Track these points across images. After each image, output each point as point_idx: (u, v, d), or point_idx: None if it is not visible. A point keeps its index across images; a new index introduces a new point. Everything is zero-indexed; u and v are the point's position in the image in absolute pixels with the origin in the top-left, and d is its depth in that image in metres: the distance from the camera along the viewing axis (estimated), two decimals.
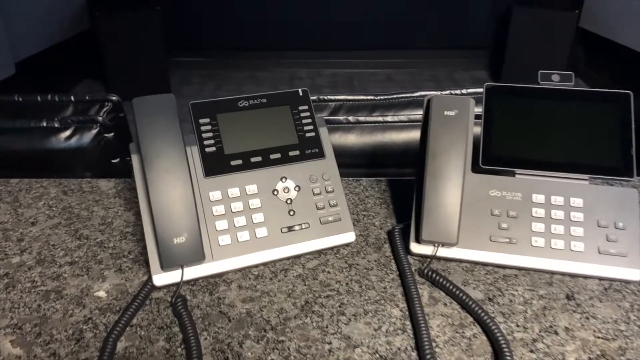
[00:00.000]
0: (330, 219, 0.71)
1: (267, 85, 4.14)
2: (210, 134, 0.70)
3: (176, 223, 0.63)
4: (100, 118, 1.04)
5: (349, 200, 0.83)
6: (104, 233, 0.76)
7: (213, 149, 0.69)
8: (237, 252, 0.67)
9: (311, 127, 0.74)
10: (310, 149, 0.73)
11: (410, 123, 1.06)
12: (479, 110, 0.74)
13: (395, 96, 1.12)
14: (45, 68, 3.44)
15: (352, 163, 1.08)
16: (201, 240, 0.64)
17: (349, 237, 0.71)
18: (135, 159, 0.67)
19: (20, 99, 1.12)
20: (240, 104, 0.72)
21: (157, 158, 0.63)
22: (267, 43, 4.38)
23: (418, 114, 1.08)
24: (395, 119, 1.07)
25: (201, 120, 0.70)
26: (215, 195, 0.68)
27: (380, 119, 1.07)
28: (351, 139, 1.07)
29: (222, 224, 0.67)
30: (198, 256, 0.64)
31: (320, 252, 0.71)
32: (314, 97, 1.11)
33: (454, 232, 0.67)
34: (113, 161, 1.09)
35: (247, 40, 4.38)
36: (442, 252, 0.69)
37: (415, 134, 1.06)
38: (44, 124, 1.04)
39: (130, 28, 3.58)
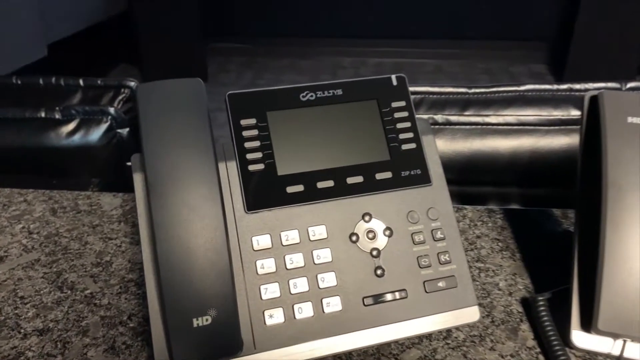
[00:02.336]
0: (440, 284, 0.45)
1: (309, 74, 3.90)
2: (257, 144, 0.44)
3: (197, 294, 0.38)
4: (112, 109, 0.80)
5: None
6: (98, 280, 0.51)
7: (260, 166, 0.44)
8: (295, 338, 0.41)
9: (410, 134, 0.48)
10: (408, 170, 0.47)
11: (521, 127, 0.79)
12: None
13: (494, 90, 0.84)
14: (79, 51, 3.28)
15: None
16: (238, 319, 0.39)
17: (471, 314, 0.45)
18: (137, 181, 0.42)
19: (19, 82, 0.89)
20: (303, 97, 0.47)
21: (168, 182, 0.38)
22: (310, 29, 4.14)
23: (528, 114, 0.80)
24: (500, 120, 0.79)
25: (243, 122, 0.45)
26: (262, 241, 0.42)
27: (478, 119, 0.79)
28: (438, 145, 0.78)
29: (271, 291, 0.42)
30: (233, 345, 0.39)
31: (421, 338, 0.45)
32: None
33: None
34: (128, 164, 0.85)
35: (288, 26, 4.15)
36: (634, 351, 0.42)
37: (527, 142, 0.78)
38: (42, 115, 0.81)
39: (167, 11, 3.42)
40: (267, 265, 0.42)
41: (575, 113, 0.80)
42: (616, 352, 0.42)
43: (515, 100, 0.83)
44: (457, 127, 0.80)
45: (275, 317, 0.41)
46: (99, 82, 0.87)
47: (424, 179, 0.47)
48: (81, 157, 0.81)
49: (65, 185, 0.71)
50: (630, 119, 0.45)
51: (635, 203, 0.42)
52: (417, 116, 0.48)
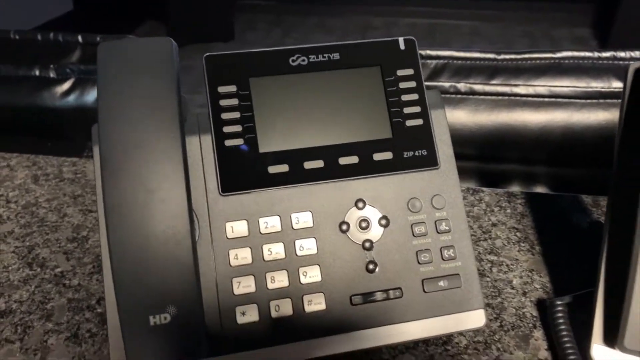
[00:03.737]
0: (441, 283, 0.39)
1: (338, 33, 3.77)
2: (236, 115, 0.38)
3: (154, 289, 0.33)
4: None
5: None
6: (71, 257, 0.47)
7: (239, 141, 0.38)
8: (270, 339, 0.36)
9: (417, 108, 0.41)
10: (412, 150, 0.40)
11: (553, 99, 0.70)
12: None
13: (526, 56, 0.76)
14: (105, 5, 3.24)
15: (458, 153, 0.74)
16: (202, 317, 0.35)
17: (476, 319, 0.39)
18: (96, 155, 0.37)
19: (17, 37, 0.85)
20: (294, 61, 0.40)
21: (122, 159, 0.33)
22: None
23: (563, 85, 0.71)
24: (530, 90, 0.71)
25: (221, 89, 0.39)
26: (238, 228, 0.37)
27: (506, 89, 0.71)
28: (460, 117, 0.72)
29: (245, 285, 0.37)
30: (196, 347, 0.34)
31: (418, 342, 0.40)
32: None
33: None
34: None
35: None
36: None
37: (560, 116, 0.70)
38: (36, 73, 0.76)
39: None
40: (241, 255, 0.37)
41: (617, 85, 0.71)
42: None
43: (550, 68, 0.74)
44: (481, 97, 0.72)
45: (248, 314, 0.36)
46: (98, 38, 0.82)
47: (430, 162, 0.40)
48: (76, 118, 0.76)
49: (59, 148, 0.67)
50: None
51: None
52: (427, 86, 0.42)
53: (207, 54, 0.39)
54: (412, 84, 0.41)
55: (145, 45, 0.36)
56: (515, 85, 0.71)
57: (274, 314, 0.36)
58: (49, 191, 0.56)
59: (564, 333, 0.39)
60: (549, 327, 0.40)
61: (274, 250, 0.37)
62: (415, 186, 0.40)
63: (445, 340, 0.40)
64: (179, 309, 0.33)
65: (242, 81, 0.39)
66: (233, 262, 0.37)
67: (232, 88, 0.39)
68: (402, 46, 0.42)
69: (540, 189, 0.74)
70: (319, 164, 0.39)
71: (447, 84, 0.73)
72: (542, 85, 0.71)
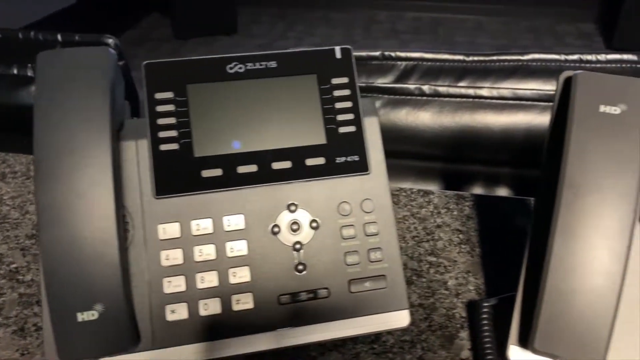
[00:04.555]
0: (367, 284, 0.40)
1: (342, 28, 3.78)
2: (172, 121, 0.40)
3: (82, 287, 0.35)
4: None
5: (407, 231, 0.52)
6: (27, 254, 0.50)
7: (174, 146, 0.40)
8: (198, 336, 0.38)
9: (350, 115, 0.42)
10: (345, 156, 0.42)
11: (517, 102, 0.71)
12: None
13: (495, 58, 0.76)
14: None
15: (422, 153, 0.75)
16: (132, 313, 0.37)
17: (400, 318, 0.40)
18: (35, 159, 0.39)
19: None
20: (231, 68, 0.42)
21: (53, 163, 0.35)
22: None
23: (529, 88, 0.72)
24: (494, 93, 0.72)
25: (158, 95, 0.40)
26: (170, 230, 0.39)
27: (470, 91, 0.72)
28: (424, 119, 0.73)
29: (175, 284, 0.38)
30: (125, 342, 0.36)
31: (345, 340, 0.41)
32: (377, 53, 0.78)
33: (601, 345, 0.35)
34: None
35: None
36: None
37: (522, 119, 0.71)
38: (14, 71, 0.78)
39: None
40: (172, 256, 0.39)
41: None
42: None
43: (517, 70, 0.75)
44: (446, 99, 0.73)
45: (177, 312, 0.38)
46: (76, 37, 0.84)
47: (361, 167, 0.42)
48: None
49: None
50: (602, 108, 0.38)
51: (592, 211, 0.36)
52: (362, 96, 0.43)
53: (146, 61, 0.41)
54: (347, 92, 0.42)
55: (83, 55, 0.38)
56: (479, 88, 0.72)
57: (202, 312, 0.38)
58: (15, 188, 0.58)
59: (486, 334, 0.40)
60: (475, 330, 0.42)
61: (205, 252, 0.39)
62: (346, 190, 0.41)
63: (373, 338, 0.41)
64: (106, 306, 0.35)
65: (180, 88, 0.41)
66: (164, 263, 0.38)
67: (169, 94, 0.40)
68: (338, 55, 0.43)
69: (504, 191, 0.75)
70: (252, 168, 0.40)
71: (412, 86, 0.74)
72: (506, 88, 0.72)
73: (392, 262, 0.41)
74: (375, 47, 0.78)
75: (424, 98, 0.74)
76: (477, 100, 0.72)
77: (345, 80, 0.43)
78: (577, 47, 3.46)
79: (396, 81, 0.76)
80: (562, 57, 0.76)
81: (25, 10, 2.59)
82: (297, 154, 0.41)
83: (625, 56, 0.73)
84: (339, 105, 0.42)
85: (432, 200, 0.56)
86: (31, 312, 0.44)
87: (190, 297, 0.38)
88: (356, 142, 0.42)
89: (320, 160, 0.41)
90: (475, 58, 0.77)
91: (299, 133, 0.42)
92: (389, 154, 0.79)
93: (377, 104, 0.75)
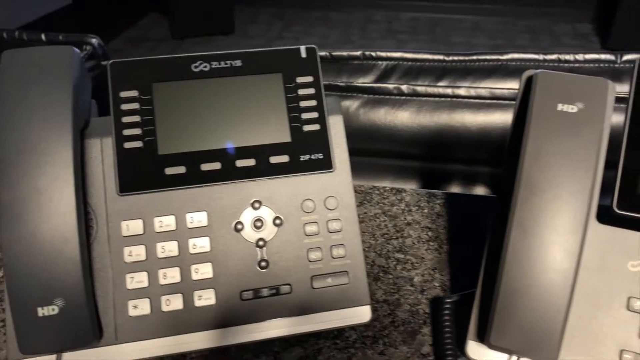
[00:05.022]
0: (329, 280, 0.41)
1: (339, 28, 3.78)
2: (137, 119, 0.41)
3: (42, 282, 0.35)
4: None
5: (377, 228, 0.52)
6: None
7: (138, 144, 0.40)
8: (160, 331, 0.39)
9: (315, 114, 0.43)
10: (309, 154, 0.42)
11: (494, 101, 0.72)
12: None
13: (474, 57, 0.77)
14: None
15: (401, 152, 0.76)
16: (94, 308, 0.37)
17: (362, 314, 0.41)
18: None
19: None
20: (196, 67, 0.42)
21: (15, 160, 0.35)
22: None
23: (507, 87, 0.73)
24: (472, 92, 0.72)
25: (123, 94, 0.41)
26: (133, 227, 0.40)
27: (448, 90, 0.73)
28: (403, 118, 0.74)
29: (138, 280, 0.39)
30: (86, 337, 0.36)
31: (309, 335, 0.42)
32: (358, 53, 0.78)
33: (554, 340, 0.36)
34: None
35: None
36: None
37: (499, 118, 0.71)
38: None
39: None
40: (135, 252, 0.39)
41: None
42: None
43: (496, 70, 0.76)
44: (424, 98, 0.74)
45: (140, 308, 0.39)
46: (60, 37, 0.84)
47: (325, 165, 0.42)
48: None
49: None
50: (560, 107, 0.39)
51: (546, 208, 0.36)
52: (327, 95, 0.44)
53: (112, 60, 0.42)
54: (311, 90, 0.43)
55: (46, 54, 0.39)
56: (458, 87, 0.73)
57: (164, 307, 0.39)
58: None
59: (447, 329, 0.41)
60: (437, 326, 0.42)
61: (167, 248, 0.39)
62: (310, 188, 0.42)
63: (336, 334, 0.42)
64: (66, 301, 0.36)
65: (145, 86, 0.41)
66: (127, 259, 0.39)
67: (134, 93, 0.41)
68: (303, 54, 0.44)
69: (482, 189, 0.75)
70: (215, 166, 0.41)
71: (391, 86, 0.74)
72: (484, 87, 0.73)
73: (355, 259, 0.41)
74: (372, 47, 0.79)
75: (403, 98, 0.74)
76: (455, 99, 0.73)
77: (310, 79, 0.43)
78: (573, 47, 3.46)
79: (377, 81, 0.77)
80: (541, 56, 0.76)
81: (21, 10, 2.60)
82: (261, 152, 0.42)
83: (603, 56, 0.74)
84: (303, 103, 0.43)
85: (404, 198, 0.56)
86: (0, 308, 0.45)
87: (153, 293, 0.39)
88: (320, 140, 0.43)
89: (285, 158, 0.42)
90: (455, 58, 0.77)
91: (263, 131, 0.42)
92: (369, 152, 0.79)
93: (357, 103, 0.75)
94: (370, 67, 0.78)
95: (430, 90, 0.73)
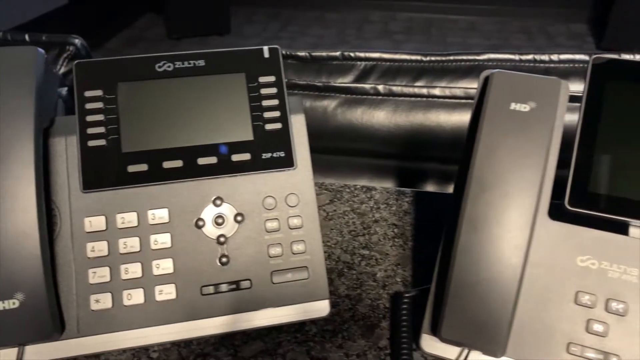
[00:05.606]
0: (289, 275, 0.42)
1: (335, 28, 3.79)
2: (101, 117, 0.42)
3: (2, 274, 0.36)
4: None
5: (345, 225, 0.53)
6: None
7: (102, 142, 0.41)
8: (121, 324, 0.40)
9: (277, 113, 0.44)
10: (271, 152, 0.43)
11: (469, 101, 0.73)
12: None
13: (452, 58, 0.78)
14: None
15: (378, 151, 0.77)
16: (56, 302, 0.38)
17: (321, 308, 0.42)
18: None
19: None
20: (160, 67, 0.43)
21: None
22: None
23: None
24: (446, 92, 0.73)
25: (88, 93, 0.42)
26: (95, 223, 0.40)
27: (424, 90, 0.74)
28: (379, 117, 0.75)
29: (100, 275, 0.40)
30: (47, 330, 0.37)
31: (270, 329, 0.43)
32: (337, 53, 0.79)
33: (502, 333, 0.37)
34: None
35: None
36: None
37: None
38: None
39: None
40: (98, 248, 0.40)
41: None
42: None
43: (473, 70, 0.76)
44: (400, 98, 0.75)
45: (102, 302, 0.40)
46: (43, 38, 0.85)
47: (287, 163, 0.43)
48: None
49: None
50: (513, 106, 0.40)
51: (495, 204, 0.37)
52: (289, 94, 0.45)
53: (77, 61, 0.43)
54: (274, 90, 0.44)
55: (10, 54, 0.40)
56: (433, 87, 0.74)
57: (126, 302, 0.40)
58: None
59: (404, 323, 0.42)
60: (395, 320, 0.43)
61: (129, 244, 0.40)
62: (271, 185, 0.43)
63: (297, 328, 0.43)
64: (27, 296, 0.36)
65: (109, 86, 0.42)
66: (90, 254, 0.40)
67: (99, 92, 0.42)
68: (266, 54, 0.45)
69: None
70: (177, 163, 0.42)
71: (368, 86, 0.75)
72: (459, 87, 0.74)
73: (315, 254, 0.42)
74: (367, 48, 0.80)
75: (379, 97, 0.75)
76: (430, 99, 0.74)
77: (272, 79, 0.44)
78: (568, 47, 3.47)
79: (356, 81, 0.77)
80: (517, 57, 0.77)
81: (16, 10, 2.61)
82: (226, 148, 0.42)
83: (577, 56, 0.74)
84: (266, 103, 0.44)
85: (374, 196, 0.57)
86: None
87: (114, 287, 0.40)
88: (282, 139, 0.44)
89: (246, 156, 0.43)
90: (433, 58, 0.78)
91: (226, 129, 0.43)
92: (346, 151, 0.80)
93: (334, 103, 0.76)
94: (349, 68, 0.79)
95: (406, 90, 0.74)
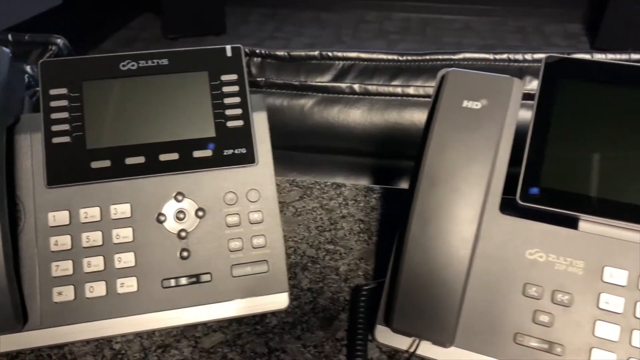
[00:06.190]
0: (249, 269, 0.43)
1: (331, 28, 3.80)
2: (65, 115, 0.43)
3: None
4: (28, 67, 0.79)
5: (313, 221, 0.54)
6: None
7: (66, 139, 0.42)
8: (83, 316, 0.41)
9: (238, 110, 0.45)
10: (232, 149, 0.44)
11: None
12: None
13: (427, 57, 0.79)
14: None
15: (355, 150, 0.78)
16: (17, 294, 0.39)
17: (280, 301, 0.43)
18: None
19: None
20: (124, 66, 0.44)
21: None
22: None
23: None
24: (420, 91, 0.74)
25: (53, 92, 0.43)
26: (59, 218, 0.42)
27: (398, 90, 0.75)
28: (355, 116, 0.76)
29: (62, 268, 0.41)
30: (9, 321, 0.38)
31: (231, 322, 0.44)
32: (315, 53, 0.80)
33: (450, 323, 0.38)
34: None
35: None
36: (428, 351, 0.40)
37: None
38: None
39: None
40: (61, 242, 0.41)
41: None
42: (411, 349, 0.39)
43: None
44: (375, 97, 0.76)
45: (64, 294, 0.41)
46: (26, 37, 0.86)
47: (248, 159, 0.44)
48: None
49: None
50: (465, 103, 0.41)
51: (444, 199, 0.38)
52: (251, 93, 0.46)
53: (42, 60, 0.44)
54: (236, 88, 0.45)
55: None
56: (407, 87, 0.75)
57: (88, 294, 0.41)
58: None
59: (361, 315, 0.43)
60: (353, 313, 0.44)
61: (92, 238, 0.41)
62: (232, 181, 0.44)
63: (258, 320, 0.44)
64: None
65: (74, 84, 0.43)
66: (53, 248, 0.41)
67: (63, 90, 0.43)
68: (228, 53, 0.46)
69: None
70: (140, 159, 0.43)
71: (344, 85, 0.76)
72: (433, 87, 0.75)
73: (275, 248, 0.44)
74: (363, 48, 0.81)
75: (355, 96, 0.76)
76: (405, 98, 0.75)
77: (234, 77, 0.45)
78: (563, 47, 3.48)
79: (333, 80, 0.79)
80: (491, 56, 0.78)
81: (10, 11, 2.62)
82: (184, 146, 0.44)
83: (552, 55, 0.76)
84: (228, 100, 0.45)
85: (343, 193, 0.58)
86: None
87: (77, 280, 0.41)
88: (244, 136, 0.45)
89: (208, 153, 0.44)
90: (409, 57, 0.79)
91: (188, 127, 0.44)
92: (323, 149, 0.81)
93: (311, 101, 0.77)
94: (327, 67, 0.80)
95: (381, 89, 0.75)
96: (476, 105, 0.40)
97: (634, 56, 0.70)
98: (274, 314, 0.44)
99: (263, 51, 0.82)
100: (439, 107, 0.41)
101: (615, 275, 0.38)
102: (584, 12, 3.73)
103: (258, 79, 0.78)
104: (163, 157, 0.43)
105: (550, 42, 3.49)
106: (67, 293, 0.41)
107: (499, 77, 0.42)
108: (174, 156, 0.43)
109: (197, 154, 0.44)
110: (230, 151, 0.44)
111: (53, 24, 2.86)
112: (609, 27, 3.29)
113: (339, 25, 3.82)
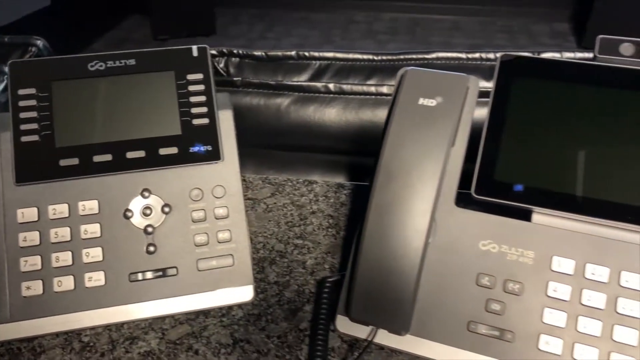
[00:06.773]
0: (214, 262, 0.44)
1: (320, 28, 3.81)
2: (34, 114, 0.44)
3: None
4: (7, 68, 0.80)
5: (283, 217, 0.56)
6: None
7: (34, 138, 0.44)
8: (52, 310, 0.42)
9: (204, 109, 0.46)
10: (198, 146, 0.46)
11: None
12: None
13: (402, 57, 0.80)
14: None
15: (330, 148, 0.79)
16: None
17: (245, 293, 0.44)
18: None
19: None
20: (92, 66, 0.45)
21: None
22: None
23: None
24: (393, 90, 0.76)
25: (21, 91, 0.44)
26: (28, 214, 0.43)
27: (372, 89, 0.76)
28: (330, 115, 0.77)
29: (30, 263, 0.42)
30: None
31: (198, 314, 0.45)
32: (292, 53, 0.82)
33: (406, 312, 0.39)
34: None
35: None
36: (385, 339, 0.41)
37: None
38: None
39: None
40: (30, 238, 0.42)
41: (484, 85, 0.76)
42: (369, 338, 0.41)
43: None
44: (350, 96, 0.77)
45: (33, 288, 0.42)
46: (6, 39, 0.87)
47: (213, 156, 0.46)
48: None
49: None
50: (421, 101, 0.42)
51: (399, 193, 0.40)
52: (217, 91, 0.47)
53: (12, 60, 0.45)
54: (201, 87, 0.46)
55: None
56: (381, 86, 0.76)
57: (56, 288, 0.42)
58: None
59: (323, 306, 0.44)
60: (317, 304, 0.46)
61: (60, 234, 0.43)
62: (198, 177, 0.45)
63: (225, 312, 0.45)
64: None
65: (43, 84, 0.44)
66: (22, 244, 0.42)
67: (32, 90, 0.44)
68: (195, 53, 0.47)
69: None
70: (107, 157, 0.44)
71: (320, 85, 0.78)
72: None
73: (240, 242, 0.45)
74: (352, 48, 0.83)
75: (331, 96, 0.77)
76: (378, 97, 0.76)
77: (200, 76, 0.46)
78: (550, 46, 3.50)
79: (310, 79, 0.80)
80: (464, 55, 0.80)
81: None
82: (150, 144, 0.45)
83: (523, 54, 0.77)
84: (194, 99, 0.46)
85: (314, 189, 0.59)
86: None
87: (45, 275, 0.42)
88: (209, 133, 0.46)
89: (174, 150, 0.45)
90: (384, 57, 0.81)
91: (155, 125, 0.45)
92: (300, 148, 0.83)
93: (288, 101, 0.79)
94: (304, 67, 0.81)
95: (356, 88, 0.77)
96: (431, 102, 0.42)
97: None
98: (240, 306, 0.46)
99: (241, 51, 0.83)
100: (397, 104, 0.43)
101: (563, 264, 0.39)
102: (571, 12, 3.76)
103: (235, 79, 0.79)
104: (130, 155, 0.44)
105: (537, 42, 3.51)
106: (35, 287, 0.42)
107: (454, 75, 0.43)
108: (141, 154, 0.45)
109: (163, 151, 0.45)
110: (196, 148, 0.46)
111: (41, 24, 2.86)
112: (596, 26, 3.31)
113: (328, 26, 3.83)
